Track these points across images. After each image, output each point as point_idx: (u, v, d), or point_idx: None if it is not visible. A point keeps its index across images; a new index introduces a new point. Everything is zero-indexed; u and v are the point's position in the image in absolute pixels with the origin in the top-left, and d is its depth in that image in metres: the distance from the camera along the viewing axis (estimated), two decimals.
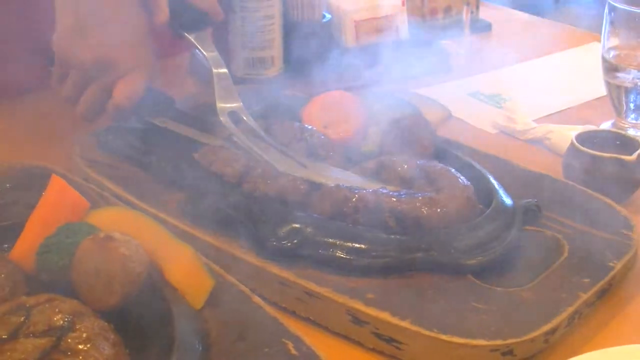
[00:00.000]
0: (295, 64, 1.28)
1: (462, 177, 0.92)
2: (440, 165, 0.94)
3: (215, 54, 1.07)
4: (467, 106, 1.16)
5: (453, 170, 0.93)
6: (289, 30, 1.28)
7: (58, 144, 1.13)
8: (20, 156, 1.03)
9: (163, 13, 1.02)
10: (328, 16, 1.33)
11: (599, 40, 1.42)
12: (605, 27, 1.11)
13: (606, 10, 1.11)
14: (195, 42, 1.07)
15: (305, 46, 1.27)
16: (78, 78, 1.03)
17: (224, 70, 1.06)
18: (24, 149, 1.12)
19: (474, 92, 1.30)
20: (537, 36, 1.57)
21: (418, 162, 0.94)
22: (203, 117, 1.06)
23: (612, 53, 1.12)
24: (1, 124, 1.18)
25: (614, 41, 1.12)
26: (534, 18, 1.68)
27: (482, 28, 1.55)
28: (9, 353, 0.67)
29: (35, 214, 0.84)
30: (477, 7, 1.54)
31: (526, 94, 1.28)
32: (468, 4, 1.45)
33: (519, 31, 1.60)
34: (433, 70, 1.36)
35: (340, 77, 1.28)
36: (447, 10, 1.49)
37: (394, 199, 0.87)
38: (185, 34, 1.07)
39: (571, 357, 0.73)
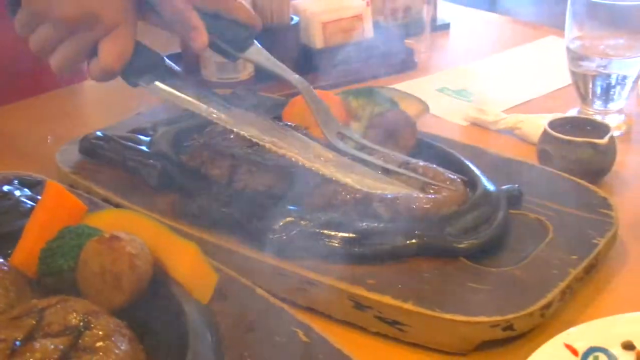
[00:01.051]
0: None
1: (447, 172, 0.95)
2: (423, 162, 0.96)
3: (297, 76, 1.00)
4: (436, 101, 1.19)
5: (437, 166, 0.96)
6: (259, 33, 1.30)
7: (35, 153, 1.15)
8: (6, 165, 1.04)
9: (202, 36, 0.94)
10: (296, 19, 1.35)
11: (556, 34, 1.48)
12: (569, 18, 1.16)
13: (569, 2, 1.15)
14: (262, 63, 1.00)
15: (275, 49, 1.29)
16: (54, 31, 0.93)
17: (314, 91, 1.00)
18: (2, 161, 1.13)
19: (442, 87, 1.34)
20: (494, 32, 1.62)
21: (402, 160, 0.96)
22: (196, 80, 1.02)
23: (576, 43, 1.16)
24: None
25: (578, 31, 1.16)
26: (490, 15, 1.73)
27: (442, 27, 1.59)
28: (28, 354, 0.67)
29: (33, 219, 0.85)
30: (435, 7, 1.58)
31: (491, 87, 1.32)
32: (429, 3, 1.49)
33: (476, 28, 1.65)
34: (399, 68, 1.40)
35: (310, 78, 1.30)
36: (407, 10, 1.52)
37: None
38: (240, 55, 0.99)
39: (566, 329, 0.77)
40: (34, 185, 0.99)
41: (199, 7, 0.94)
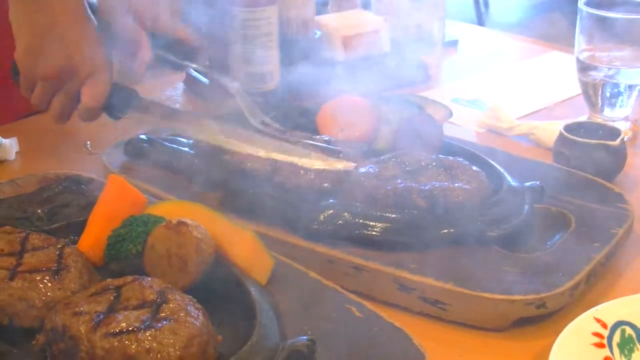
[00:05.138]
0: (291, 78, 1.38)
1: (474, 166, 1.03)
2: (452, 158, 1.04)
3: (228, 77, 1.24)
4: (453, 110, 1.27)
5: (465, 161, 1.04)
6: (285, 46, 1.38)
7: (76, 157, 1.23)
8: (50, 168, 1.11)
9: (148, 53, 1.16)
10: (318, 33, 1.43)
11: (558, 49, 1.57)
12: (579, 31, 1.24)
13: (579, 17, 1.23)
14: (208, 72, 1.23)
15: (300, 61, 1.37)
16: (45, 88, 1.12)
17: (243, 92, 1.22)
18: (50, 162, 1.19)
19: (456, 98, 1.42)
20: (499, 48, 1.70)
21: (432, 156, 1.04)
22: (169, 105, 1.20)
23: (585, 54, 1.25)
24: (25, 140, 1.25)
25: (586, 44, 1.25)
26: (495, 32, 1.82)
27: (450, 43, 1.67)
28: (113, 324, 0.74)
29: (97, 209, 0.92)
30: (444, 24, 1.66)
31: (502, 97, 1.40)
32: (439, 20, 1.57)
33: (482, 44, 1.73)
34: (414, 79, 1.48)
35: (332, 88, 1.38)
36: (419, 27, 1.61)
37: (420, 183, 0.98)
38: (185, 64, 1.23)
39: (590, 308, 0.85)
40: (86, 183, 1.06)
41: (149, 30, 1.18)
